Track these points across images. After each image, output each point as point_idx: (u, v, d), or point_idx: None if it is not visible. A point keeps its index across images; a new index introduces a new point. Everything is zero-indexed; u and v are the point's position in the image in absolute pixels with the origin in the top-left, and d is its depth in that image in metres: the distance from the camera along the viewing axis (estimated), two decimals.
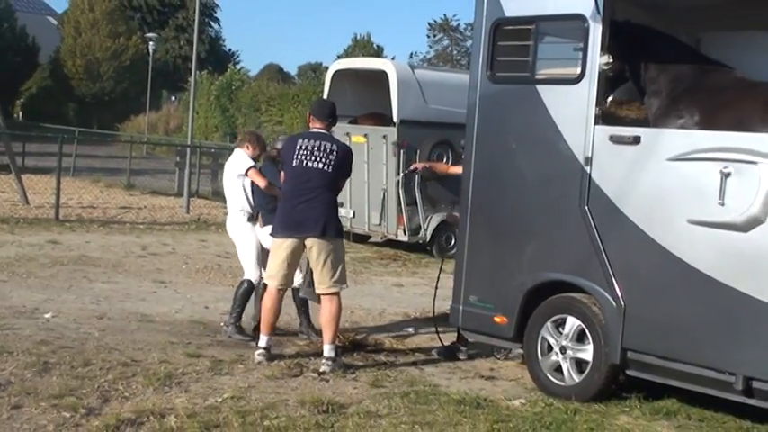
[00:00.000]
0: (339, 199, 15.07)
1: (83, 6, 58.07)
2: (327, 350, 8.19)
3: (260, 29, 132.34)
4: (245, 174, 9.18)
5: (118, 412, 6.43)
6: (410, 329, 10.23)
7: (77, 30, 57.64)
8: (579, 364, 7.73)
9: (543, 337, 7.93)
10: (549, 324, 7.89)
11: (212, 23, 70.84)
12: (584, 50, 7.63)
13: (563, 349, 7.81)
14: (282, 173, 8.48)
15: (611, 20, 7.63)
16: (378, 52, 56.48)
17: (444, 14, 75.76)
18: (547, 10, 7.98)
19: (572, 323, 7.74)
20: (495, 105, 8.31)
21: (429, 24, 72.61)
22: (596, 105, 7.55)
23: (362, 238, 17.58)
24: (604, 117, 7.65)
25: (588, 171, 7.55)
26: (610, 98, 7.98)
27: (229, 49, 72.19)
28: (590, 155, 7.55)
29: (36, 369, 7.31)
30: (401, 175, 12.78)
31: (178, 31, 67.33)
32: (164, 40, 63.23)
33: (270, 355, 8.25)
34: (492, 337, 8.51)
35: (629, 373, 7.54)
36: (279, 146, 9.25)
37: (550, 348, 7.91)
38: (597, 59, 7.54)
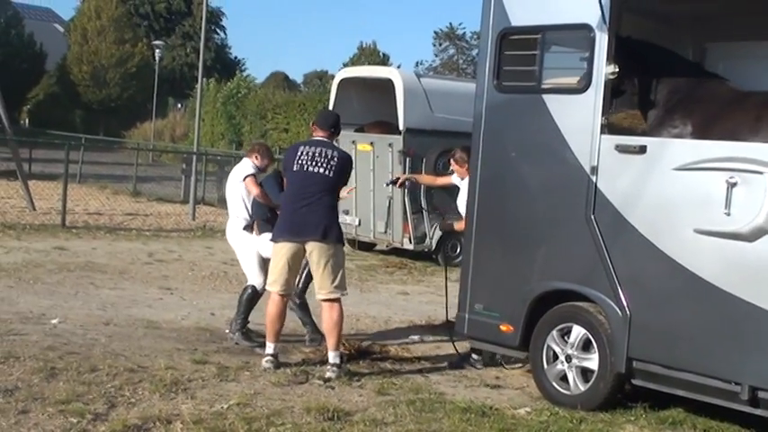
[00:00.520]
0: (345, 206, 15.09)
1: (90, 14, 58.33)
2: (332, 357, 8.20)
3: (266, 37, 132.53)
4: (243, 180, 9.24)
5: (124, 418, 6.44)
6: (416, 337, 10.22)
7: (84, 37, 57.86)
8: (585, 373, 7.73)
9: (549, 346, 7.94)
10: (554, 333, 7.90)
11: (219, 31, 71.10)
12: (591, 60, 7.65)
13: (569, 358, 7.82)
14: (284, 180, 8.54)
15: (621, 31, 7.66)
16: (384, 60, 56.59)
17: (450, 23, 75.75)
18: (553, 19, 8.00)
19: (578, 332, 7.75)
20: (502, 114, 8.33)
21: (435, 33, 72.61)
22: (602, 114, 7.58)
23: (368, 246, 17.59)
24: (610, 126, 7.67)
25: (594, 180, 7.57)
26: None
27: (235, 57, 72.49)
28: (596, 164, 7.57)
29: (43, 374, 7.34)
30: (385, 184, 12.82)
31: (184, 38, 67.56)
32: (170, 48, 63.39)
33: (277, 363, 8.26)
34: (497, 345, 8.51)
35: (635, 382, 7.53)
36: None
37: (556, 357, 7.92)
38: (603, 69, 7.56)
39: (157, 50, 49.38)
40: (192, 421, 6.48)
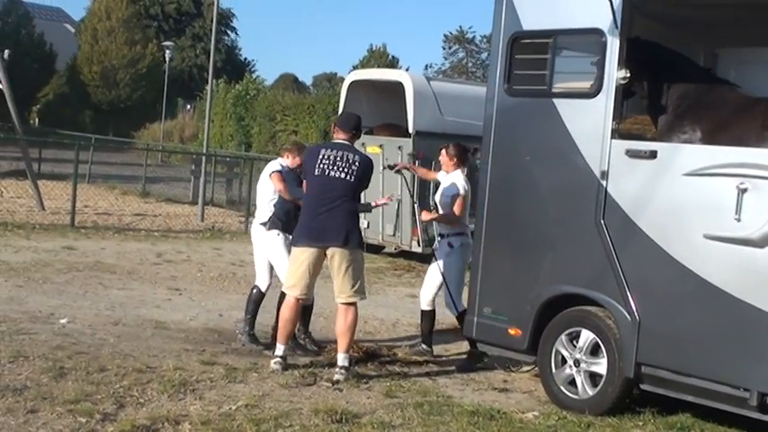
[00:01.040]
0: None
1: (100, 14, 58.52)
2: (342, 359, 8.21)
3: (276, 38, 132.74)
4: (270, 176, 9.24)
5: (133, 418, 6.47)
6: (424, 347, 10.18)
7: (94, 37, 58.07)
8: (593, 378, 7.73)
9: (557, 350, 7.94)
10: (563, 337, 7.90)
11: (229, 32, 71.16)
12: (602, 64, 7.65)
13: (577, 362, 7.82)
14: (304, 183, 8.54)
15: (633, 35, 7.66)
16: (393, 63, 56.60)
17: (460, 26, 75.84)
18: (565, 24, 8.00)
19: (586, 336, 7.75)
20: (512, 118, 8.34)
21: (444, 36, 72.79)
22: (613, 119, 7.57)
23: (376, 249, 17.58)
24: (621, 131, 7.67)
25: (604, 185, 7.57)
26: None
27: (245, 59, 72.54)
28: (606, 169, 7.57)
29: (52, 374, 7.37)
30: (382, 167, 12.83)
31: (194, 39, 67.68)
32: (180, 49, 63.50)
33: (286, 365, 8.28)
34: (506, 349, 8.51)
35: (644, 387, 7.53)
36: None
37: (564, 361, 7.92)
38: (614, 74, 7.56)
39: (167, 51, 49.50)
40: (200, 422, 6.51)
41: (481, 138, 8.64)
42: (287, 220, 9.03)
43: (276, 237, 9.12)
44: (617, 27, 7.51)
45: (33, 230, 16.49)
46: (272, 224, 9.14)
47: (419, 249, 16.38)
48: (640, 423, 7.46)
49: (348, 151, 8.31)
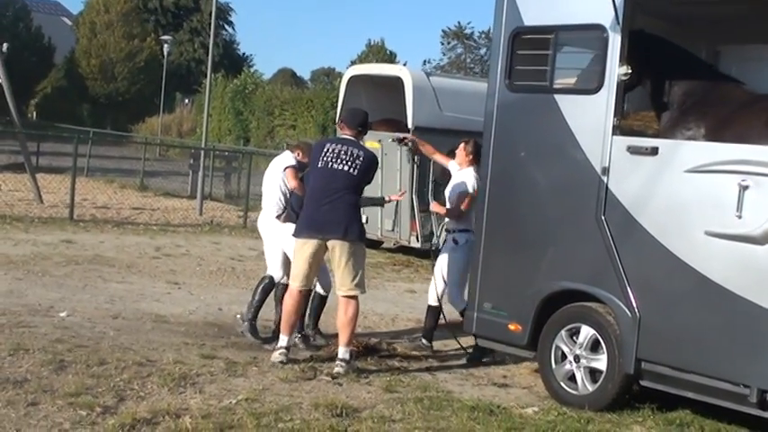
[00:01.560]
0: None
1: (98, 7, 58.40)
2: (342, 352, 8.22)
3: (274, 33, 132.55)
4: (284, 170, 9.24)
5: (133, 411, 6.45)
6: (424, 342, 10.19)
7: (93, 30, 57.94)
8: (593, 374, 7.74)
9: (557, 346, 7.94)
10: (563, 333, 7.91)
11: (227, 27, 71.01)
12: (603, 60, 7.65)
13: (577, 358, 7.82)
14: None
15: (634, 32, 7.65)
16: (391, 58, 56.49)
17: (458, 22, 75.84)
18: (566, 19, 7.99)
19: (586, 332, 7.75)
20: (513, 114, 8.33)
21: (443, 31, 72.66)
22: (614, 115, 7.57)
23: (375, 244, 17.57)
24: (622, 127, 7.66)
25: (605, 181, 7.56)
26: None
27: (243, 53, 72.40)
28: (607, 165, 7.56)
29: (52, 367, 7.36)
30: (391, 140, 12.85)
31: (192, 33, 67.57)
32: (178, 43, 63.39)
33: (289, 356, 8.30)
34: (506, 344, 8.51)
35: (643, 383, 7.53)
36: None
37: (564, 357, 7.92)
38: (616, 70, 7.56)
39: (165, 45, 49.37)
40: (200, 416, 6.49)
41: (478, 133, 8.64)
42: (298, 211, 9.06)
43: (292, 230, 9.11)
44: (619, 23, 7.50)
45: (32, 223, 16.46)
46: (287, 216, 9.14)
47: (418, 245, 16.38)
48: (640, 419, 7.46)
49: (353, 146, 8.34)
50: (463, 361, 9.21)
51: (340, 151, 8.25)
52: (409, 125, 16.01)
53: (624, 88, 7.70)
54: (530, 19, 8.21)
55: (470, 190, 9.22)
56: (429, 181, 16.03)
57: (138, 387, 7.11)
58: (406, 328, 10.72)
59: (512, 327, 8.22)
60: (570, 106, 7.91)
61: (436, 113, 16.14)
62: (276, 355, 8.27)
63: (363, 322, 10.45)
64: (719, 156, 7.00)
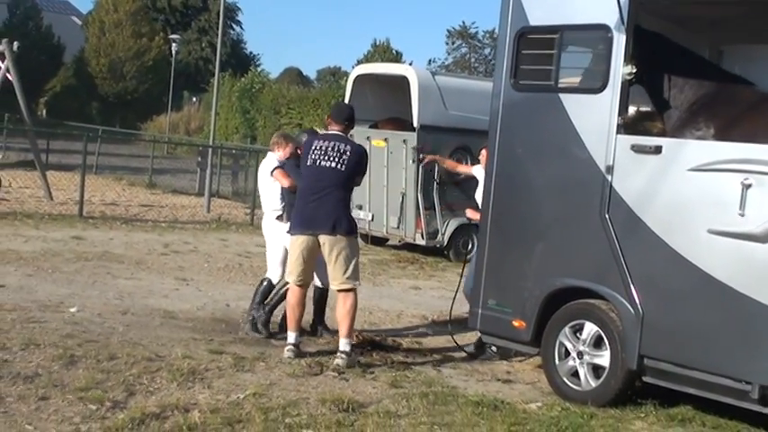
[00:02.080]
0: (358, 201, 15.18)
1: (107, 7, 58.44)
2: (342, 344, 8.27)
3: (281, 32, 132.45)
4: (272, 175, 9.25)
5: (143, 406, 6.46)
6: (428, 331, 10.24)
7: (102, 30, 57.98)
8: (596, 370, 7.74)
9: (561, 342, 7.94)
10: (566, 329, 7.91)
11: (234, 26, 70.99)
12: (608, 60, 7.64)
13: (580, 354, 7.82)
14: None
15: (639, 32, 7.64)
16: (397, 58, 56.40)
17: (463, 22, 75.44)
18: (571, 19, 7.99)
19: (590, 329, 7.75)
20: (518, 113, 8.33)
21: (448, 31, 72.48)
22: (618, 114, 7.56)
23: (381, 241, 17.62)
24: (626, 126, 7.66)
25: (609, 179, 7.56)
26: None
27: (251, 52, 72.38)
28: (611, 163, 7.56)
29: (63, 362, 7.36)
30: (412, 161, 12.97)
31: (200, 33, 67.56)
32: (186, 42, 63.43)
33: (298, 351, 8.32)
34: (510, 340, 8.52)
35: (646, 379, 7.53)
36: (304, 138, 9.37)
37: (568, 353, 7.92)
38: (620, 69, 7.55)
39: (174, 44, 49.44)
40: (209, 410, 6.50)
41: (483, 131, 8.64)
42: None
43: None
44: (623, 23, 7.49)
45: (42, 220, 16.49)
46: (289, 215, 9.14)
47: (423, 242, 16.42)
48: (642, 415, 7.46)
49: (340, 141, 8.37)
50: (468, 357, 9.21)
51: (327, 148, 8.30)
52: (415, 124, 16.05)
53: (630, 87, 7.70)
54: (535, 19, 8.21)
55: None
56: (434, 180, 16.06)
57: (148, 382, 7.12)
58: (411, 324, 10.72)
59: (516, 323, 8.22)
60: (575, 105, 7.90)
61: (441, 112, 16.17)
62: (286, 353, 8.31)
63: (369, 318, 10.48)
64: (722, 155, 7.00)
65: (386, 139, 16.59)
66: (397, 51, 59.61)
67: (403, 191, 16.32)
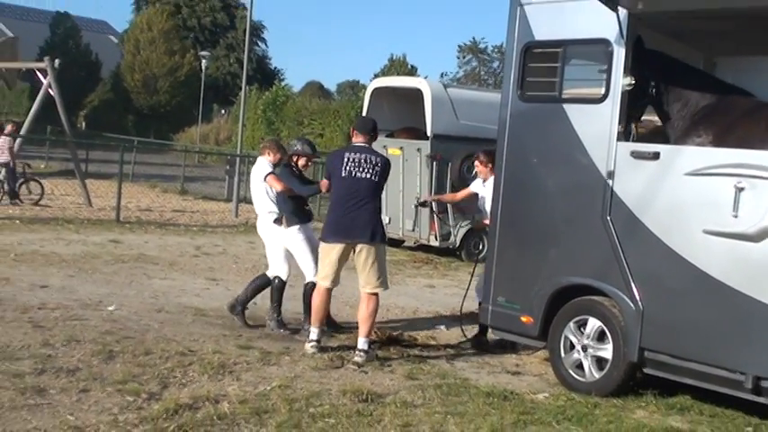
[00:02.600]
0: None
1: (142, 26, 58.63)
2: (362, 343, 8.26)
3: (303, 48, 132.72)
4: (265, 180, 9.27)
5: (176, 397, 6.51)
6: (442, 327, 10.25)
7: (137, 47, 58.16)
8: (599, 362, 7.73)
9: (566, 337, 7.94)
10: (571, 324, 7.90)
11: (259, 43, 71.14)
12: (609, 72, 7.64)
13: (584, 348, 7.81)
14: (325, 181, 8.63)
15: (642, 49, 7.63)
16: (412, 71, 56.48)
17: (473, 37, 75.70)
18: (574, 34, 7.98)
19: (593, 324, 7.74)
20: (525, 122, 8.33)
21: (459, 46, 72.59)
22: (619, 123, 7.56)
23: (397, 243, 17.61)
24: (626, 134, 7.65)
25: (611, 184, 7.56)
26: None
27: (275, 67, 72.52)
28: (612, 169, 7.56)
29: (102, 357, 7.42)
30: (414, 206, 13.18)
31: (228, 49, 67.70)
32: (215, 58, 63.55)
33: (321, 347, 8.35)
34: (518, 335, 8.52)
35: (646, 371, 7.52)
36: (298, 146, 9.39)
37: (573, 347, 7.92)
38: (620, 81, 7.55)
39: (203, 60, 49.54)
40: (237, 401, 6.54)
41: (492, 140, 8.65)
42: (298, 211, 9.15)
43: (297, 232, 9.16)
44: (623, 37, 7.50)
45: (82, 225, 16.59)
46: (288, 221, 9.16)
47: (436, 243, 16.44)
48: (643, 404, 7.44)
49: (370, 153, 8.41)
50: (479, 351, 9.20)
51: (361, 160, 8.31)
52: (428, 133, 16.07)
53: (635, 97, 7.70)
54: (540, 34, 8.21)
55: None
56: (447, 185, 16.06)
57: (181, 375, 7.17)
58: (426, 320, 10.72)
59: (524, 319, 8.23)
60: (578, 115, 7.90)
61: (453, 122, 16.19)
62: (309, 348, 8.33)
63: (386, 315, 10.49)
64: (717, 160, 6.99)
65: (401, 148, 16.60)
66: (412, 66, 59.70)
67: (418, 196, 16.30)
